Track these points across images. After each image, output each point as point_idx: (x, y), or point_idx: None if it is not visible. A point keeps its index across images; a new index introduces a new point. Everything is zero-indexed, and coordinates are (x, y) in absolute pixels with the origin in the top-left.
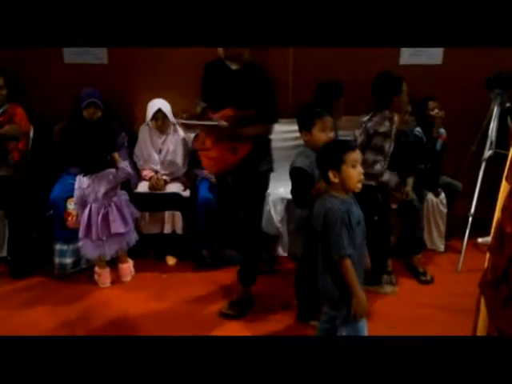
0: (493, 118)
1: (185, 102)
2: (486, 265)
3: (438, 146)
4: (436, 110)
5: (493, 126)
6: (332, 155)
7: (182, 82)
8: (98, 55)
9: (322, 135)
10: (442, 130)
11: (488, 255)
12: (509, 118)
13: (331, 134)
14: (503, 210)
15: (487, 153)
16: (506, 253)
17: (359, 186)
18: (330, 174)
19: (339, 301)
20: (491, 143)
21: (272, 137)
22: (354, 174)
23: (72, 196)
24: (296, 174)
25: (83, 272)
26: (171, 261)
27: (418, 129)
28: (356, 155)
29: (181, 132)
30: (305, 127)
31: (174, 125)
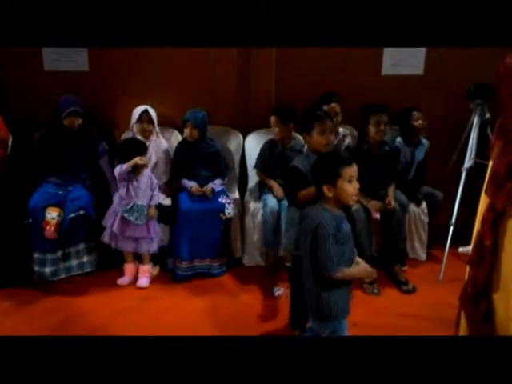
0: (473, 128)
1: (167, 110)
2: (466, 277)
3: (420, 155)
4: (420, 121)
5: (473, 137)
6: (328, 169)
7: (165, 90)
8: (79, 62)
9: (321, 138)
10: (424, 141)
11: (468, 268)
12: (489, 129)
13: (331, 137)
14: (483, 222)
15: (467, 163)
16: (486, 266)
17: (354, 199)
18: (325, 188)
19: (327, 316)
20: (471, 153)
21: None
22: (350, 189)
23: (51, 205)
24: (291, 173)
25: (62, 281)
26: (154, 271)
27: (399, 139)
28: (353, 170)
29: (163, 140)
30: (305, 130)
31: (157, 133)
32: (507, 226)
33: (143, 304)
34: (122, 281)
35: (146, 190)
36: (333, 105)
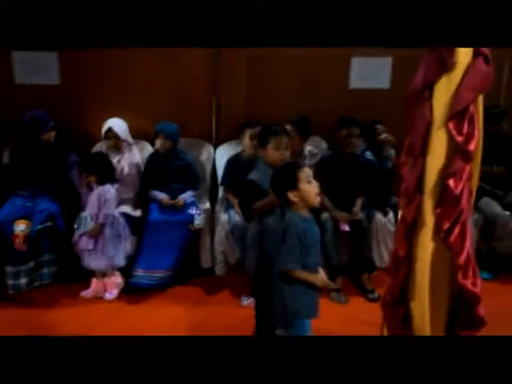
0: None
1: (138, 122)
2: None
3: (389, 164)
4: (385, 135)
5: None
6: (287, 176)
7: (136, 102)
8: (50, 76)
9: (275, 153)
10: (392, 151)
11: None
12: None
13: (287, 153)
14: (396, 234)
15: None
16: (401, 276)
17: (318, 199)
18: (290, 195)
19: (292, 318)
20: None
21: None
22: (312, 188)
23: (18, 218)
24: (245, 187)
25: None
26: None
27: (368, 152)
28: (308, 171)
29: (136, 153)
30: (261, 144)
31: (130, 145)
32: (419, 237)
33: (111, 317)
34: (84, 293)
35: (95, 203)
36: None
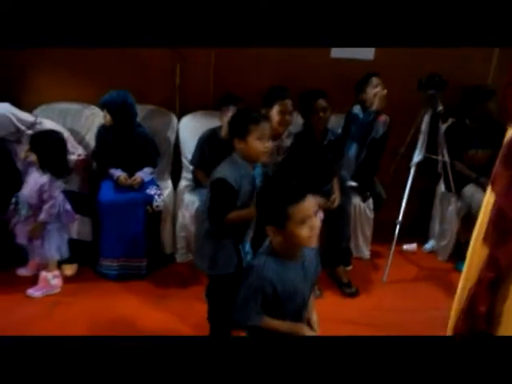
0: (424, 120)
1: (92, 85)
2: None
3: (380, 130)
4: (379, 88)
5: (424, 130)
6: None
7: (90, 64)
8: None
9: (258, 144)
10: (385, 116)
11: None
12: (440, 122)
13: (269, 144)
14: (479, 282)
15: (417, 157)
16: None
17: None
18: (269, 231)
19: None
20: (422, 147)
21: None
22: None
23: None
24: (217, 186)
25: None
26: (69, 270)
27: (357, 106)
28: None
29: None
30: (238, 134)
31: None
32: (510, 289)
33: (52, 311)
34: (22, 271)
35: (34, 193)
36: (286, 101)
